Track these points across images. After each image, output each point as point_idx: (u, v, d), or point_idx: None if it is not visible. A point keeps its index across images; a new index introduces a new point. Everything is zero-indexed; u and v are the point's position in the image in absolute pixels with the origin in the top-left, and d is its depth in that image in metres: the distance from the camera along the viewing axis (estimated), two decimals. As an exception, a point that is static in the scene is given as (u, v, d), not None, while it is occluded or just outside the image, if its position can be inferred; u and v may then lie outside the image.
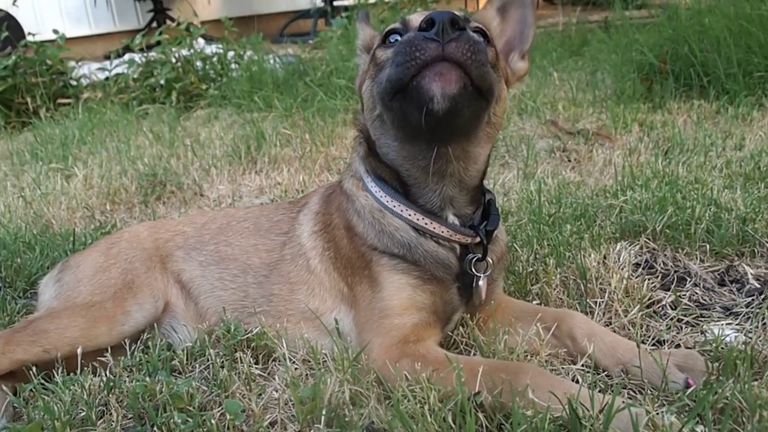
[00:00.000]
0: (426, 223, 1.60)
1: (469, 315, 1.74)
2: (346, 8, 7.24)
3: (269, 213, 1.99)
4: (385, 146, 1.61)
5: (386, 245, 1.61)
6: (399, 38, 1.49)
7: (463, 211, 1.65)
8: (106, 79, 5.85)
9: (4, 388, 1.63)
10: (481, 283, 1.64)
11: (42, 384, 1.61)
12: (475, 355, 1.65)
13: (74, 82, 5.89)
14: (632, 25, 5.85)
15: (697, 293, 1.93)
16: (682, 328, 1.76)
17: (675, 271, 2.05)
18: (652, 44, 4.56)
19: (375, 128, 1.61)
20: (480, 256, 1.64)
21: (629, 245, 2.16)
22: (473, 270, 1.63)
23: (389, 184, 1.64)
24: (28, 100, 5.46)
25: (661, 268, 2.07)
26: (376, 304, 1.59)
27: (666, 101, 4.01)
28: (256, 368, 1.66)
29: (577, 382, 1.52)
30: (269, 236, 1.90)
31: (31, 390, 1.60)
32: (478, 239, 1.64)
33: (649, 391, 1.45)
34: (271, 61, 5.65)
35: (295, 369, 1.62)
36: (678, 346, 1.67)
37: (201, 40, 6.08)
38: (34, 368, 1.63)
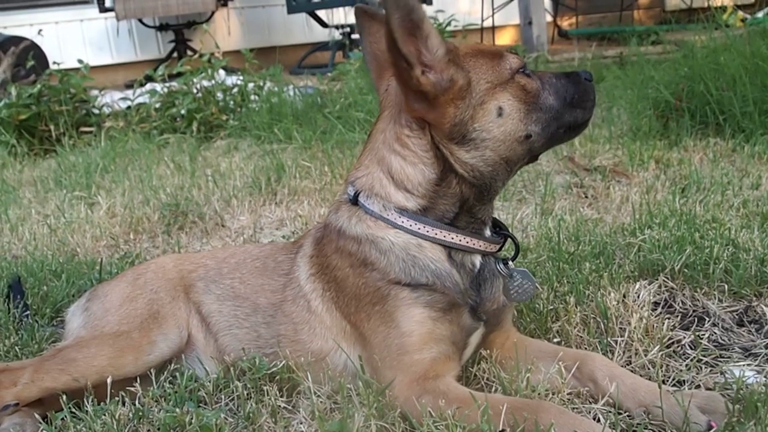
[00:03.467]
0: (467, 242, 1.67)
1: (488, 351, 1.77)
2: (363, 41, 7.33)
3: (275, 253, 2.02)
4: (496, 166, 1.65)
5: (413, 276, 1.63)
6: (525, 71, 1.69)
7: (490, 221, 1.76)
8: (128, 108, 5.95)
9: (36, 415, 1.67)
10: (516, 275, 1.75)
11: (73, 413, 1.64)
12: (496, 391, 1.68)
13: (97, 111, 5.99)
14: (647, 61, 5.91)
15: (716, 333, 1.95)
16: (701, 368, 1.78)
17: (694, 311, 2.07)
18: (667, 81, 4.61)
19: (503, 148, 1.63)
20: (503, 256, 1.79)
21: (648, 284, 2.18)
22: (506, 268, 1.75)
23: (432, 216, 1.66)
24: (52, 127, 5.55)
25: (680, 307, 2.10)
26: (393, 341, 1.61)
27: (682, 138, 4.05)
28: (281, 401, 1.68)
29: (599, 421, 1.54)
30: (273, 277, 1.93)
31: (62, 418, 1.64)
32: (498, 247, 1.76)
33: (670, 432, 1.47)
34: (291, 93, 5.74)
35: (321, 403, 1.65)
36: (698, 386, 1.69)
37: (222, 71, 6.18)
38: (64, 396, 1.67)
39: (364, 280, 1.67)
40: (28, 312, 2.33)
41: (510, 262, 1.77)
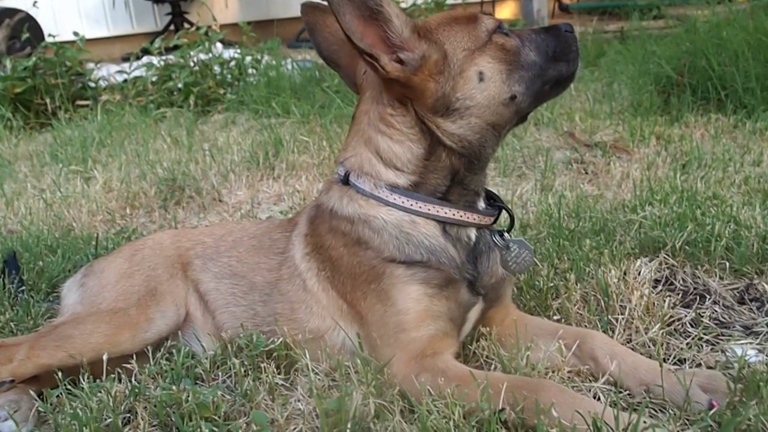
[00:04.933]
0: (461, 216, 1.65)
1: (488, 329, 1.75)
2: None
3: (271, 231, 2.00)
4: (484, 132, 1.63)
5: (407, 254, 1.61)
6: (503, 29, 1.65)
7: (483, 192, 1.74)
8: (125, 81, 5.88)
9: (31, 392, 1.66)
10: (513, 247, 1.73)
11: (68, 390, 1.63)
12: (496, 369, 1.66)
13: (93, 84, 5.93)
14: (649, 36, 5.85)
15: (716, 311, 1.94)
16: (702, 346, 1.77)
17: (694, 288, 2.05)
18: (669, 56, 4.56)
19: (489, 113, 1.61)
20: (499, 229, 1.77)
21: (649, 261, 2.17)
22: (502, 240, 1.73)
23: (424, 191, 1.64)
24: (47, 101, 5.50)
25: (681, 284, 2.08)
26: (390, 319, 1.60)
27: (683, 114, 4.01)
28: (278, 378, 1.67)
29: (599, 399, 1.53)
30: (269, 255, 1.92)
31: (57, 395, 1.62)
32: (492, 219, 1.74)
33: (671, 411, 1.46)
34: (289, 67, 5.68)
35: (319, 381, 1.63)
36: (699, 365, 1.68)
37: (219, 45, 6.11)
38: (60, 373, 1.65)
39: (358, 259, 1.65)
40: (23, 287, 2.31)
41: (506, 234, 1.75)
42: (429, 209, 1.63)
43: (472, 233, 1.70)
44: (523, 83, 1.63)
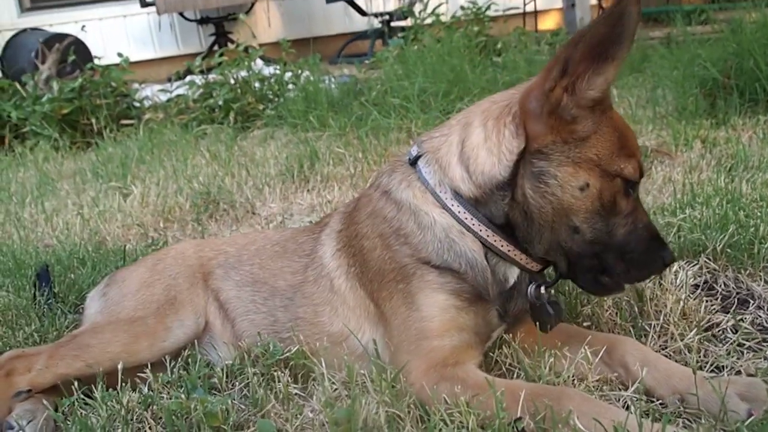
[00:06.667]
0: (508, 250, 1.56)
1: (511, 335, 1.67)
2: (402, 29, 7.25)
3: (296, 235, 1.96)
4: (544, 224, 1.53)
5: (445, 259, 1.55)
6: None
7: None
8: (168, 100, 5.99)
9: (45, 402, 1.65)
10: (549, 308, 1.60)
11: (83, 399, 1.61)
12: (519, 377, 1.59)
13: (137, 104, 6.05)
14: (695, 41, 5.68)
15: (760, 317, 1.83)
16: (743, 353, 1.66)
17: (737, 293, 1.94)
18: (715, 59, 4.41)
19: (558, 215, 1.51)
20: (541, 282, 1.63)
21: (687, 265, 2.06)
22: (538, 296, 1.60)
23: (482, 212, 1.56)
24: (93, 121, 5.62)
25: (722, 289, 1.97)
26: (413, 324, 1.54)
27: (730, 117, 3.86)
28: (294, 387, 1.63)
29: (628, 409, 1.44)
30: (294, 258, 1.87)
31: (70, 404, 1.61)
32: (539, 267, 1.61)
33: (705, 421, 1.36)
34: (327, 81, 5.69)
35: (334, 390, 1.58)
36: (738, 372, 1.57)
37: (259, 62, 6.16)
38: (76, 383, 1.64)
39: (391, 254, 1.60)
40: (51, 300, 2.31)
41: (543, 289, 1.61)
42: (481, 230, 1.55)
43: (512, 275, 1.61)
44: (592, 233, 1.51)
